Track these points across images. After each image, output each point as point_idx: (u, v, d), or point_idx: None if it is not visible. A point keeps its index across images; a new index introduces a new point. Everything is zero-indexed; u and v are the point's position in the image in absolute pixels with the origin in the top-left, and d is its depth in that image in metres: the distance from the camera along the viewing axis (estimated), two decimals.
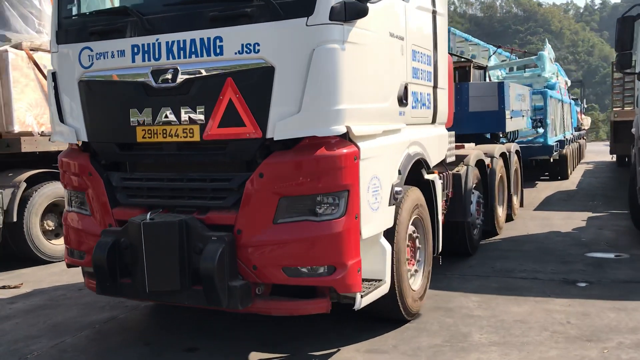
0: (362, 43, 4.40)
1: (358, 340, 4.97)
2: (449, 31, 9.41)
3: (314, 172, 4.22)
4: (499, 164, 9.09)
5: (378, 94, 4.72)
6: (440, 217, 6.12)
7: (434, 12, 6.02)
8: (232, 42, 4.27)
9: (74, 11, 5.03)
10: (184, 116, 4.45)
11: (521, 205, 11.39)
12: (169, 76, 4.45)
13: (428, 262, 5.79)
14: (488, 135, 10.70)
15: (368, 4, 4.35)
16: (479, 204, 8.14)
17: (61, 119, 5.09)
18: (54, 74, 5.10)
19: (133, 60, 4.61)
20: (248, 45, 4.23)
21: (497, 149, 9.13)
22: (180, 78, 4.43)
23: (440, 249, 6.13)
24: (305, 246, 4.25)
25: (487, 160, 8.72)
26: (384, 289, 4.79)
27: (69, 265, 5.43)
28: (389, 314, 5.23)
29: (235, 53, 4.27)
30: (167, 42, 4.47)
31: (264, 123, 4.23)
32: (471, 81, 11.15)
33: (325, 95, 4.16)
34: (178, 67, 4.43)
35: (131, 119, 4.64)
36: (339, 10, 4.13)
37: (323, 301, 4.41)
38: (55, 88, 5.08)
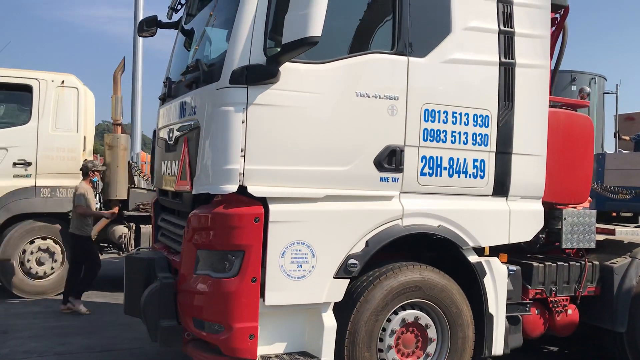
0: (283, 104, 4.28)
1: None
2: None
3: (212, 228, 4.34)
4: None
5: (319, 156, 4.42)
6: (497, 312, 4.99)
7: (507, 65, 5.04)
8: (189, 106, 4.79)
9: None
10: (173, 169, 5.13)
11: None
12: (172, 134, 5.22)
13: None
14: None
15: (308, 64, 4.32)
16: None
17: (152, 167, 6.36)
18: (154, 131, 6.40)
19: (166, 121, 5.54)
20: (193, 108, 4.70)
21: None
22: (175, 136, 5.13)
23: (495, 351, 5.00)
24: (202, 300, 4.38)
25: None
26: None
27: None
28: None
29: (189, 115, 4.77)
30: (173, 106, 5.25)
31: (193, 178, 4.58)
32: None
33: (217, 154, 4.28)
34: (174, 127, 5.16)
35: (162, 169, 5.55)
36: (239, 74, 4.20)
37: None
38: (153, 142, 6.39)
